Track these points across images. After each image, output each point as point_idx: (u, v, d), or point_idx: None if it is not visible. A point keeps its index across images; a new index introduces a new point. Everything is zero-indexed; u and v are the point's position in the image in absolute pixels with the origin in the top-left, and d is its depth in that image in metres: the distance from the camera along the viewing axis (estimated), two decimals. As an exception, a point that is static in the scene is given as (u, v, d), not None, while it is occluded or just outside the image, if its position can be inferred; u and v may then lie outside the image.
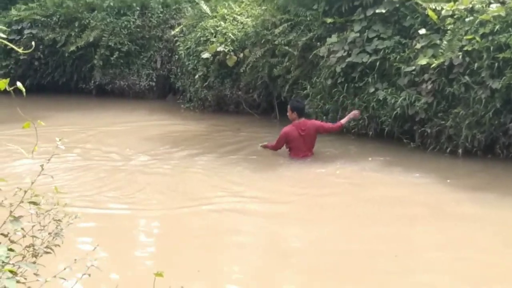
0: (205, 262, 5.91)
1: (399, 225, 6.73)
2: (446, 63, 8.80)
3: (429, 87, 9.04)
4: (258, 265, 5.95)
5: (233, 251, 6.27)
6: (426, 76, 9.12)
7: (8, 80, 2.30)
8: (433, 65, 8.85)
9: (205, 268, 5.75)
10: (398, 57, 9.55)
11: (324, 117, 10.60)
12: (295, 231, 6.77)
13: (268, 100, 12.30)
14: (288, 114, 9.52)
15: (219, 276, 5.73)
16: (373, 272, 5.56)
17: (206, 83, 12.70)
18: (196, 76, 12.82)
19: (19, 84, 2.32)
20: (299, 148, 9.30)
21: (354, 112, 9.77)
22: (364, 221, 6.87)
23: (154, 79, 14.57)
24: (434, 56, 8.98)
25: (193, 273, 5.65)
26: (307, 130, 9.27)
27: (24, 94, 2.45)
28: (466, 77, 8.65)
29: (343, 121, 9.62)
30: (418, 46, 9.27)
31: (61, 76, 15.34)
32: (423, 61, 9.01)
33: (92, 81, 15.03)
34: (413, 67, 9.29)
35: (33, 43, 2.85)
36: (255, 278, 5.70)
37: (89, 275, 2.81)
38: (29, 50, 2.60)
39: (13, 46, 2.55)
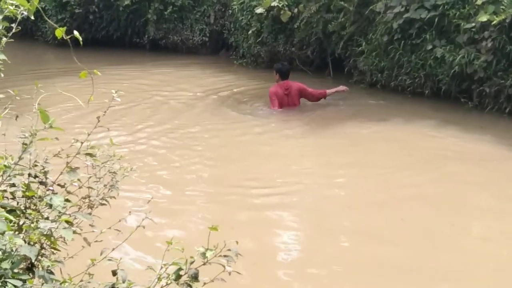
0: (257, 223, 5.95)
1: (451, 186, 6.60)
2: (507, 20, 8.54)
3: (489, 45, 8.78)
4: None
5: (284, 208, 6.28)
6: (486, 34, 8.85)
7: (65, 28, 2.28)
8: (494, 22, 8.58)
9: (257, 229, 5.80)
10: (458, 13, 9.27)
11: (379, 75, 10.43)
12: (345, 192, 6.74)
13: (321, 57, 12.12)
14: (274, 75, 10.07)
15: (270, 235, 5.75)
16: (430, 239, 5.49)
17: (260, 39, 12.58)
18: (250, 32, 12.72)
19: (76, 33, 2.30)
20: (282, 105, 9.76)
21: (342, 87, 9.98)
22: (415, 182, 6.78)
23: (207, 34, 14.47)
24: (495, 13, 8.69)
25: (246, 231, 5.71)
26: (290, 90, 9.80)
27: (81, 43, 2.43)
28: (529, 35, 8.37)
29: (328, 91, 9.96)
30: (479, 2, 8.96)
31: (116, 30, 15.38)
32: (483, 18, 8.73)
33: (146, 36, 15.04)
34: (473, 24, 9.01)
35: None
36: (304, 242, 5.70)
37: (144, 227, 2.82)
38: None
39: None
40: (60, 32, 2.24)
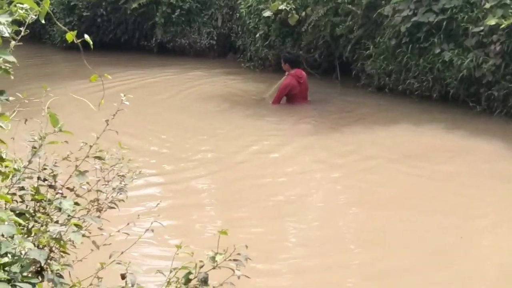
0: (268, 226, 5.94)
1: (462, 196, 6.56)
2: (516, 24, 8.50)
3: (498, 48, 8.76)
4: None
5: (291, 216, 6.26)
6: (494, 37, 8.82)
7: (75, 32, 2.28)
8: (502, 26, 8.57)
9: (268, 231, 5.80)
10: (466, 17, 9.25)
11: (387, 78, 10.41)
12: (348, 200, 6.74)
13: (329, 61, 12.09)
14: (282, 65, 10.36)
15: (281, 237, 5.74)
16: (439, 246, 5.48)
17: (267, 42, 12.58)
18: (257, 35, 12.71)
19: (86, 37, 2.30)
20: (298, 96, 10.03)
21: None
22: (424, 190, 6.76)
23: (215, 38, 14.47)
24: (503, 16, 8.68)
25: (256, 235, 5.70)
26: (303, 78, 10.10)
27: (92, 47, 2.44)
28: (537, 39, 8.34)
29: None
30: (487, 5, 8.95)
31: (123, 34, 15.40)
32: (492, 22, 8.71)
33: (154, 39, 15.06)
34: (481, 28, 8.98)
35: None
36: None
37: (152, 230, 2.82)
38: None
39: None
40: (71, 36, 2.25)
